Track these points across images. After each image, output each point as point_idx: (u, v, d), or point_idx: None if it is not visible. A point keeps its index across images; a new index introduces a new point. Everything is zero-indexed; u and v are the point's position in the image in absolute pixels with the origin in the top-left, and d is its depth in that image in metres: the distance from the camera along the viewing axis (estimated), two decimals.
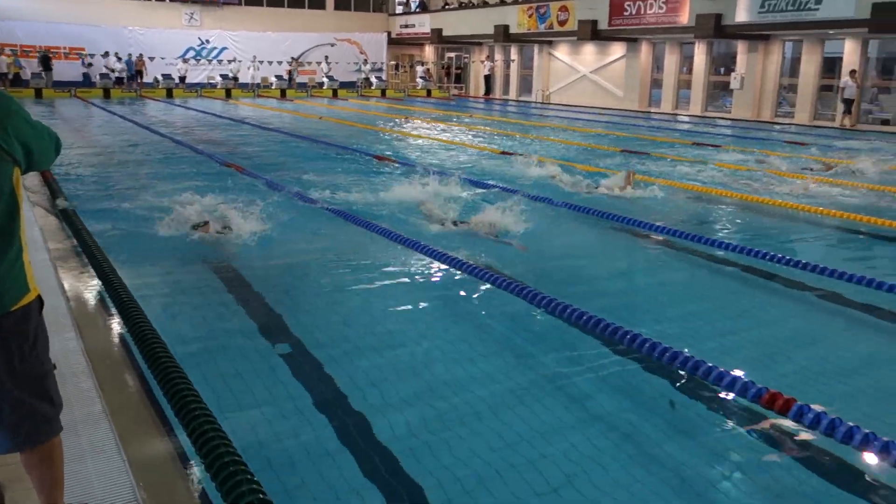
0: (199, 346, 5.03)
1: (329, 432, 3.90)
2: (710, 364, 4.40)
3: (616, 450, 3.84)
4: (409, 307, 6.13)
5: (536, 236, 8.11)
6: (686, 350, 4.66)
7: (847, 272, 6.51)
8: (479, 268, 6.61)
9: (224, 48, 39.12)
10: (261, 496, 2.77)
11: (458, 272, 6.72)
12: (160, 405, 3.75)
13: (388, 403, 4.23)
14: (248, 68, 37.52)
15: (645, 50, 31.19)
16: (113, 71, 34.53)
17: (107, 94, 33.38)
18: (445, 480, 3.46)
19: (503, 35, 35.61)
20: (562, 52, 35.49)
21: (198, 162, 13.85)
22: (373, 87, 39.99)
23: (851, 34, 23.58)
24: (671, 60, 30.23)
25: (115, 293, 5.32)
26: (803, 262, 6.90)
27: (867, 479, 3.69)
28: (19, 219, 2.49)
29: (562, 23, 32.37)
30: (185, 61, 37.33)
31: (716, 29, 25.57)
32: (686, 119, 27.43)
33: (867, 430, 3.64)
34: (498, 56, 39.90)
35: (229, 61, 38.23)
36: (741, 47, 27.13)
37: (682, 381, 4.61)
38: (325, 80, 39.00)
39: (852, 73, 23.31)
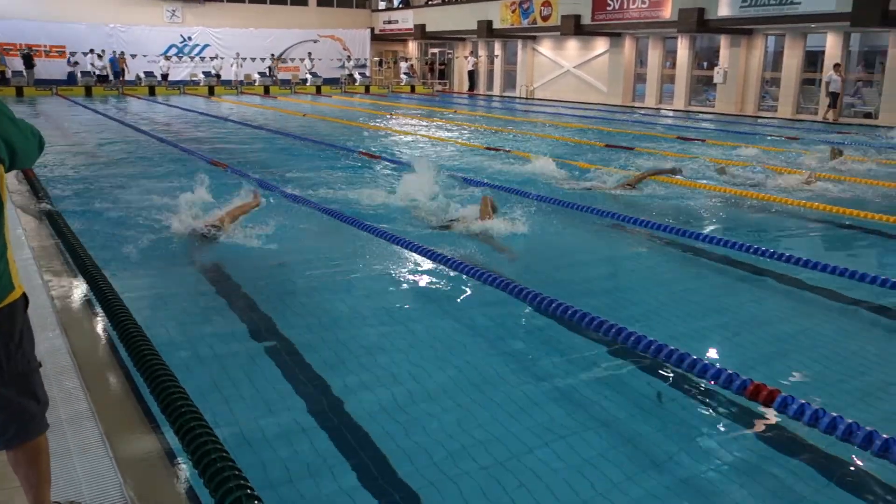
0: (184, 344, 5.02)
1: (318, 430, 3.90)
2: (695, 356, 4.44)
3: (602, 442, 3.87)
4: (396, 304, 6.13)
5: (525, 233, 8.11)
6: (683, 348, 4.68)
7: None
8: (468, 265, 6.61)
9: (206, 45, 38.90)
10: (248, 491, 2.77)
11: (445, 268, 6.72)
12: (146, 402, 3.74)
13: (379, 403, 4.24)
14: (231, 65, 37.36)
15: (628, 45, 31.28)
16: (96, 69, 34.27)
17: (88, 92, 33.14)
18: (439, 482, 3.48)
19: (486, 30, 35.61)
20: (545, 48, 35.53)
21: (182, 160, 13.78)
22: (356, 84, 39.90)
23: (833, 28, 23.75)
24: (654, 55, 30.34)
25: (100, 292, 5.30)
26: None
27: (853, 469, 3.74)
28: (3, 217, 2.48)
29: (545, 18, 32.41)
30: (168, 58, 37.12)
31: (698, 23, 25.69)
32: (670, 113, 27.54)
33: (850, 421, 3.68)
34: (481, 52, 39.91)
35: (212, 58, 38.03)
36: (724, 42, 27.27)
37: (668, 374, 4.65)
38: (308, 76, 38.87)
39: (836, 66, 23.46)
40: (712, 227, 8.98)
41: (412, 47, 44.75)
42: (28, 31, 34.41)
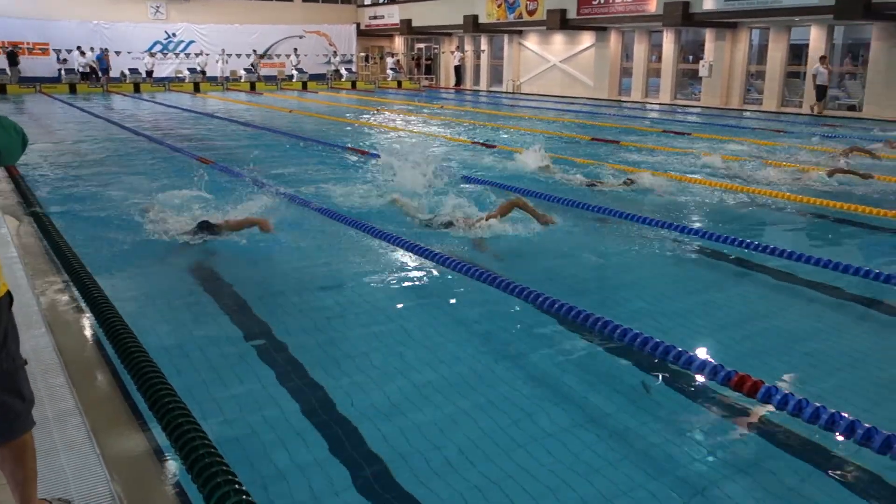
0: (172, 342, 5.01)
1: (306, 425, 3.91)
2: (680, 349, 4.48)
3: (589, 434, 3.89)
4: (387, 300, 6.13)
5: (511, 230, 8.12)
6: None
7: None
8: (457, 261, 6.61)
9: (191, 41, 38.72)
10: (237, 486, 2.78)
11: (437, 265, 6.71)
12: (133, 400, 3.73)
13: (368, 399, 4.25)
14: (217, 62, 37.20)
15: (614, 39, 31.34)
16: (80, 66, 34.04)
17: (73, 89, 32.91)
18: (434, 486, 3.49)
19: (472, 25, 35.60)
20: (531, 42, 35.55)
21: (167, 157, 13.73)
22: (343, 80, 39.81)
23: (817, 21, 23.89)
24: (640, 49, 30.42)
25: (86, 290, 5.28)
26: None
27: (836, 458, 3.78)
28: None
29: (531, 12, 32.43)
30: (152, 55, 36.90)
31: (683, 17, 25.77)
32: (656, 107, 27.63)
33: (833, 411, 3.72)
34: (468, 46, 39.89)
35: (197, 55, 37.87)
36: (709, 35, 27.37)
37: (655, 366, 4.68)
38: (294, 72, 38.75)
39: (823, 59, 23.59)
40: (701, 222, 9.01)
41: (398, 42, 44.67)
42: (11, 29, 34.14)
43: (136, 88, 34.07)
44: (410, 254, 7.08)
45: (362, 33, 43.97)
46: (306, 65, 39.53)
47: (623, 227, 8.42)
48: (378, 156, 12.99)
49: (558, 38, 33.97)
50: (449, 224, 8.01)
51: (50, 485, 2.97)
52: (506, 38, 36.66)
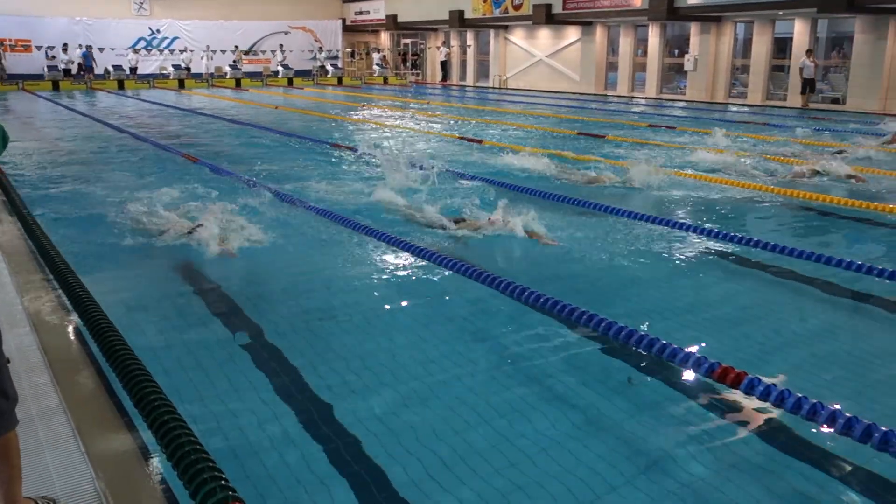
0: (158, 341, 5.00)
1: (293, 423, 3.91)
2: (665, 341, 4.51)
3: (575, 428, 3.92)
4: (375, 297, 6.14)
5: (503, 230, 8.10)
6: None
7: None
8: (446, 257, 6.63)
9: (175, 38, 38.49)
10: (223, 483, 2.78)
11: (428, 262, 6.73)
12: (118, 397, 3.72)
13: (356, 395, 4.26)
14: (201, 58, 37.00)
15: (600, 33, 31.40)
16: (62, 62, 33.79)
17: (56, 86, 32.68)
18: (416, 470, 3.51)
19: (458, 20, 35.55)
20: (518, 37, 35.56)
21: (152, 154, 13.67)
22: (329, 76, 39.69)
23: (800, 14, 24.02)
24: (626, 43, 30.49)
25: (70, 288, 5.26)
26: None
27: (818, 447, 3.82)
28: None
29: (516, 7, 32.41)
30: (136, 52, 36.68)
31: (668, 11, 25.85)
32: (642, 101, 27.70)
33: (814, 401, 3.76)
34: (454, 42, 39.86)
35: (181, 51, 37.66)
36: (694, 29, 27.47)
37: (640, 359, 4.71)
38: (279, 68, 38.61)
39: (809, 52, 23.72)
40: (690, 218, 9.06)
41: (384, 38, 44.59)
42: None
43: (121, 85, 33.86)
44: (401, 251, 7.07)
45: (348, 29, 43.85)
46: (292, 61, 39.39)
47: (616, 223, 8.45)
48: (365, 151, 12.98)
49: (544, 33, 34.00)
50: (457, 221, 7.95)
51: (35, 483, 2.96)
52: (492, 32, 36.64)
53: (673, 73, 29.69)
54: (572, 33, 32.52)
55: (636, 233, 7.94)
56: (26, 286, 5.59)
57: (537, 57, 34.63)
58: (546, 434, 3.80)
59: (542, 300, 5.37)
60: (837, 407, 3.72)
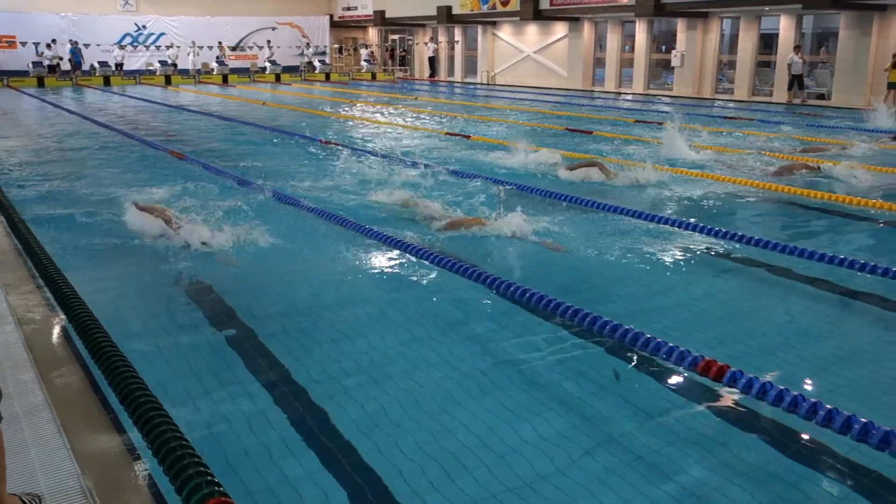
0: (144, 336, 5.00)
1: (283, 420, 3.92)
2: (649, 335, 4.55)
3: (562, 420, 3.95)
4: (362, 292, 6.15)
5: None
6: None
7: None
8: (437, 255, 6.63)
9: (162, 34, 38.27)
10: (209, 478, 2.79)
11: (413, 258, 6.75)
12: (103, 394, 3.73)
13: (345, 392, 4.27)
14: (188, 54, 36.82)
15: (587, 29, 31.45)
16: (46, 58, 33.55)
17: (41, 83, 32.45)
18: (403, 464, 3.52)
19: (446, 16, 35.51)
20: (505, 33, 35.57)
21: (139, 151, 13.61)
22: (316, 72, 39.56)
23: (786, 10, 24.13)
24: (613, 39, 30.55)
25: (55, 285, 5.25)
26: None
27: (801, 438, 3.86)
28: None
29: (504, 3, 32.40)
30: (122, 48, 36.45)
31: (655, 7, 25.90)
32: (629, 97, 27.76)
33: (795, 393, 3.81)
34: (442, 37, 39.81)
35: (167, 47, 37.44)
36: (681, 25, 27.56)
37: (626, 355, 4.74)
38: (267, 64, 38.46)
39: (797, 48, 23.83)
40: (679, 214, 9.10)
41: (372, 34, 44.48)
42: None
43: (107, 81, 33.65)
44: (390, 249, 7.07)
45: (335, 25, 43.72)
46: (279, 57, 39.23)
47: (613, 221, 8.48)
48: (352, 147, 12.96)
49: (532, 29, 34.01)
50: (453, 224, 7.88)
51: (20, 481, 2.97)
52: (479, 28, 36.64)
53: (660, 69, 29.78)
54: (560, 29, 32.56)
55: (622, 228, 7.98)
56: (11, 284, 5.58)
57: (525, 53, 34.65)
58: (541, 433, 3.81)
59: (526, 294, 5.39)
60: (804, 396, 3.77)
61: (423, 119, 19.82)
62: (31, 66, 33.56)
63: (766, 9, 24.25)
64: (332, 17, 43.50)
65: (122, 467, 3.17)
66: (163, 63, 36.52)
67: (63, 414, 3.53)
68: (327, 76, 39.16)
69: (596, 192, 9.67)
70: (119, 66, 35.54)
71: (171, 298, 5.96)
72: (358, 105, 24.33)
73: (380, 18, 39.78)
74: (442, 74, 39.92)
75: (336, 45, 43.66)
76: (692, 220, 8.14)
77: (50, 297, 5.23)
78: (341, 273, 6.53)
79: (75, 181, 10.51)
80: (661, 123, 17.66)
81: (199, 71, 36.60)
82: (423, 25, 40.35)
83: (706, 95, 27.09)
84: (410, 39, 42.75)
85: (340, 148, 13.63)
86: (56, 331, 4.71)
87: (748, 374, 3.99)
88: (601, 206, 8.73)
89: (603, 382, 4.44)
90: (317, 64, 40.23)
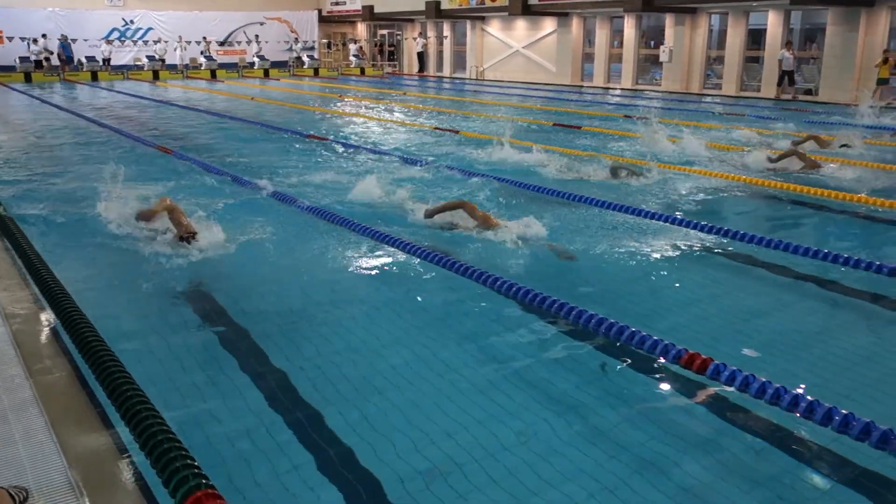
0: (131, 331, 5.01)
1: (276, 418, 3.94)
2: (634, 329, 4.59)
3: (550, 414, 3.98)
4: (352, 288, 6.16)
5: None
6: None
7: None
8: (431, 252, 6.63)
9: (150, 28, 38.03)
10: (195, 471, 2.81)
11: (405, 254, 6.75)
12: (91, 389, 3.74)
13: (338, 391, 4.28)
14: (175, 49, 36.64)
15: (576, 24, 31.49)
16: (51, 52, 33.37)
17: (28, 78, 32.25)
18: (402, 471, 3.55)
19: (435, 11, 35.46)
20: (494, 28, 35.56)
21: (127, 146, 13.56)
22: (305, 67, 39.44)
23: (774, 6, 24.23)
24: (602, 34, 30.60)
25: (42, 280, 5.25)
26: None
27: (786, 431, 3.91)
28: None
29: None
30: (109, 43, 36.20)
31: (644, 2, 25.94)
32: (618, 92, 27.81)
33: (778, 385, 3.85)
34: (430, 33, 39.77)
35: (155, 42, 37.24)
36: (669, 20, 27.63)
37: (613, 349, 4.78)
38: (255, 59, 38.33)
39: (788, 44, 23.94)
40: (670, 209, 9.15)
41: (361, 29, 44.38)
42: None
43: (94, 77, 33.49)
44: (383, 246, 7.04)
45: (324, 20, 43.59)
46: (267, 52, 39.08)
47: (604, 216, 8.52)
48: (341, 143, 12.95)
49: (521, 24, 34.02)
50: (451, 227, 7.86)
51: (8, 475, 2.98)
52: (468, 24, 36.61)
53: (648, 64, 29.86)
54: (549, 24, 32.58)
55: (615, 223, 8.02)
56: None
57: (514, 48, 34.66)
58: (539, 434, 3.84)
59: (513, 289, 5.43)
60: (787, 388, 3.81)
61: (412, 114, 19.81)
62: (17, 61, 33.33)
63: (754, 4, 24.35)
64: (320, 11, 43.37)
65: (109, 461, 3.19)
66: (150, 58, 36.29)
67: (51, 409, 3.54)
68: (316, 71, 39.07)
69: (585, 188, 9.71)
70: (106, 61, 35.33)
71: (159, 294, 5.94)
72: (347, 100, 24.28)
73: (368, 13, 39.68)
74: (431, 70, 39.88)
75: (325, 40, 43.55)
76: (679, 214, 8.19)
77: (37, 292, 5.23)
78: (332, 270, 6.52)
79: (62, 176, 10.47)
80: (647, 118, 17.77)
81: (186, 66, 36.42)
82: (412, 20, 40.29)
83: (694, 91, 27.19)
84: (399, 34, 42.68)
85: (329, 143, 13.63)
86: (44, 326, 4.71)
87: (731, 367, 4.04)
88: (584, 199, 8.78)
89: (604, 383, 4.47)
90: (305, 59, 40.10)
